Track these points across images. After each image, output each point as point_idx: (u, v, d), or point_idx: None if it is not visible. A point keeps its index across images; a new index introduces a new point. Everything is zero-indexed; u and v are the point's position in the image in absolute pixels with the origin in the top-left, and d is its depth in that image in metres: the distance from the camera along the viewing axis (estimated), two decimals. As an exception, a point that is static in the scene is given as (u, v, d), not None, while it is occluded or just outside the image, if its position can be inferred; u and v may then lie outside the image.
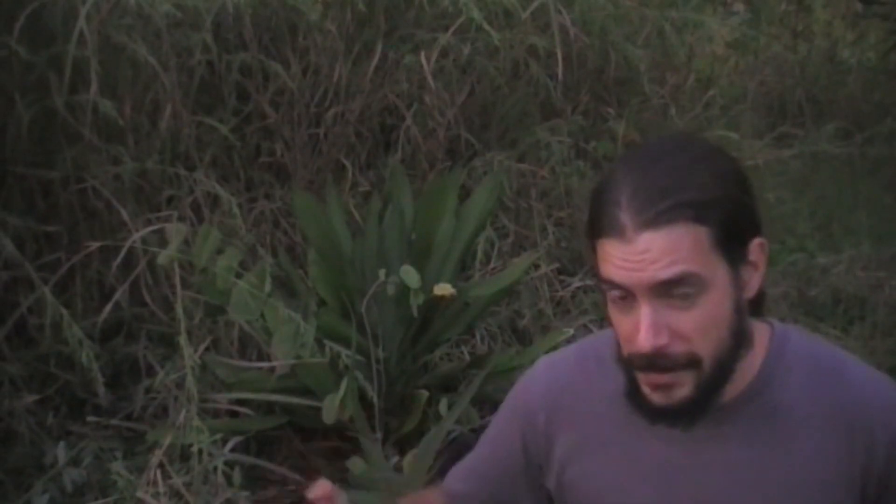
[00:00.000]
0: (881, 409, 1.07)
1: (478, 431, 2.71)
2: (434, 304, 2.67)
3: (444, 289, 2.61)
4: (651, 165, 1.03)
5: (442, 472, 2.36)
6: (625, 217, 1.01)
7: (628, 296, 1.03)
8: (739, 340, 1.06)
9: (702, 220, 1.00)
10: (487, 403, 2.79)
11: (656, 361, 1.03)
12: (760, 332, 1.12)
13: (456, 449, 2.46)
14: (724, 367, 1.05)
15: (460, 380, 2.88)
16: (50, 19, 2.69)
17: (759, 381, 1.10)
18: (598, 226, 1.04)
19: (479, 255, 3.20)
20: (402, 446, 2.58)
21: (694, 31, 4.26)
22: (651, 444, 1.13)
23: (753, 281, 1.06)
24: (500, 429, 1.31)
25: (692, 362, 1.04)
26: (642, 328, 1.02)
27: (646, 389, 1.07)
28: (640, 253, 1.00)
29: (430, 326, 2.76)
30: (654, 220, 0.99)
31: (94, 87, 2.61)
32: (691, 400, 1.05)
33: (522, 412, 1.26)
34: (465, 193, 3.16)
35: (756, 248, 1.05)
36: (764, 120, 4.80)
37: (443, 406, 2.58)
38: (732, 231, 1.02)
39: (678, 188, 1.00)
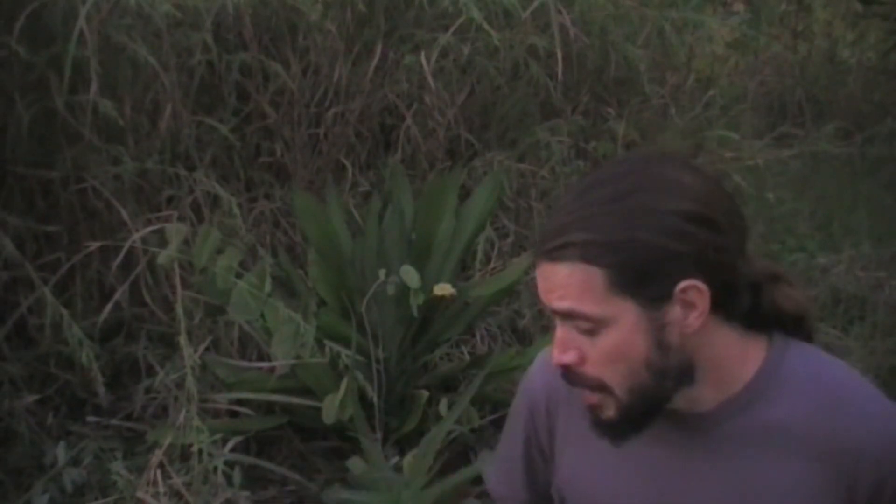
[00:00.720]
0: (873, 446, 1.06)
1: (478, 431, 2.71)
2: (434, 304, 2.67)
3: (444, 289, 2.61)
4: (578, 196, 1.06)
5: (441, 473, 2.37)
6: (539, 243, 1.08)
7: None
8: (666, 376, 1.06)
9: (592, 261, 1.02)
10: (487, 403, 2.80)
11: (569, 378, 1.10)
12: (754, 347, 1.12)
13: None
14: (646, 397, 1.07)
15: (460, 380, 2.88)
16: (50, 19, 2.69)
17: (748, 395, 1.10)
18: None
19: (479, 255, 3.20)
20: (402, 446, 2.58)
21: (694, 31, 4.26)
22: (640, 447, 1.14)
23: (691, 320, 1.05)
24: (513, 427, 1.33)
25: (602, 388, 1.08)
26: (554, 344, 1.09)
27: None
28: (542, 280, 1.08)
29: (430, 326, 2.76)
30: (549, 253, 1.05)
31: (94, 87, 2.61)
32: (615, 420, 1.09)
33: (527, 406, 1.28)
34: (465, 193, 3.16)
35: (690, 289, 1.03)
36: (764, 120, 4.80)
37: (443, 406, 2.58)
38: (641, 274, 1.02)
39: (579, 227, 1.03)
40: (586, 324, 1.05)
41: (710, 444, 1.11)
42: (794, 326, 1.14)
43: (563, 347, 1.08)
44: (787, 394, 1.09)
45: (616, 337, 1.05)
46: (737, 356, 1.10)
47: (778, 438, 1.08)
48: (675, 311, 1.04)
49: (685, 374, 1.08)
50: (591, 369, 1.07)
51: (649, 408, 1.08)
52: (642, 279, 1.02)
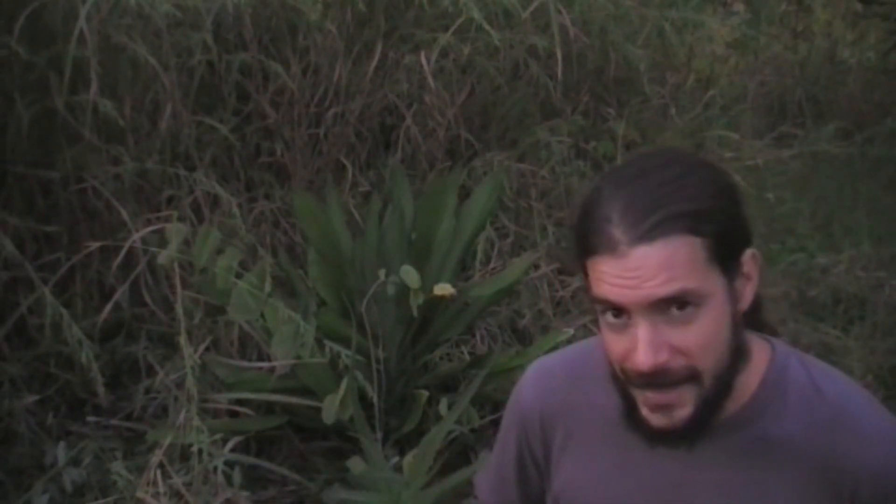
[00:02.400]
0: (873, 465, 1.05)
1: (478, 431, 2.71)
2: (434, 304, 2.67)
3: (444, 289, 2.61)
4: (640, 179, 1.01)
5: (441, 473, 2.37)
6: (617, 232, 0.99)
7: (624, 314, 1.01)
8: (737, 354, 1.05)
9: (696, 231, 0.98)
10: (487, 403, 2.80)
11: (656, 379, 1.01)
12: (759, 352, 1.11)
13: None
14: (724, 382, 1.04)
15: (460, 380, 2.88)
16: (50, 19, 2.69)
17: (753, 408, 1.09)
18: (589, 244, 1.01)
19: (479, 255, 3.20)
20: (402, 446, 2.58)
21: (694, 31, 4.26)
22: (640, 460, 1.12)
23: (747, 293, 1.05)
24: (504, 438, 1.31)
25: (693, 377, 1.02)
26: (640, 347, 1.00)
27: (644, 410, 1.05)
28: (635, 269, 0.98)
29: (430, 326, 2.76)
30: (648, 234, 0.97)
31: (94, 87, 2.61)
32: (692, 419, 1.03)
33: (520, 418, 1.26)
34: (465, 193, 3.16)
35: (749, 260, 1.04)
36: (764, 120, 4.80)
37: (443, 406, 2.58)
38: (727, 242, 1.01)
39: (671, 200, 0.98)
40: (689, 305, 0.99)
41: (711, 457, 1.10)
42: (757, 315, 1.12)
43: (655, 347, 0.99)
44: (790, 409, 1.08)
45: (712, 314, 1.00)
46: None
47: (779, 454, 1.07)
48: (741, 283, 1.04)
49: (744, 355, 1.06)
50: (682, 359, 1.00)
51: (723, 397, 1.04)
52: (732, 249, 1.01)
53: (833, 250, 3.82)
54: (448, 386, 2.86)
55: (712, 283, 1.00)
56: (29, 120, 2.67)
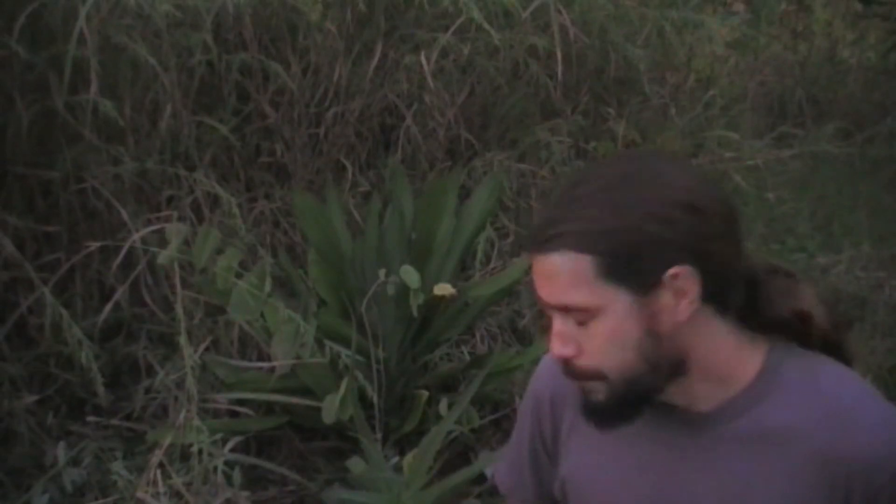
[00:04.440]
0: (867, 456, 1.06)
1: (478, 431, 2.71)
2: (434, 304, 2.67)
3: (444, 289, 2.61)
4: (563, 192, 1.08)
5: (441, 473, 2.37)
6: (530, 238, 1.09)
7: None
8: (658, 365, 1.07)
9: (581, 248, 1.03)
10: (487, 403, 2.80)
11: (566, 370, 1.11)
12: (755, 347, 1.12)
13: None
14: (639, 384, 1.08)
15: (460, 380, 2.88)
16: (50, 19, 2.69)
17: (747, 398, 1.10)
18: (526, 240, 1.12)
19: (479, 255, 3.20)
20: (402, 446, 2.58)
21: (694, 31, 4.26)
22: (639, 443, 1.16)
23: (682, 306, 1.05)
24: (521, 422, 1.34)
25: (598, 376, 1.09)
26: (552, 338, 1.10)
27: None
28: (536, 275, 1.08)
29: (430, 326, 2.76)
30: (542, 245, 1.06)
31: (94, 87, 2.61)
32: (605, 406, 1.10)
33: (534, 401, 1.30)
34: (465, 193, 3.16)
35: (679, 276, 1.04)
36: (764, 120, 4.80)
37: (443, 406, 2.58)
38: (630, 260, 1.03)
39: (565, 219, 1.05)
40: (580, 315, 1.06)
41: (707, 444, 1.12)
42: (799, 326, 1.13)
43: (562, 340, 1.09)
44: (785, 400, 1.09)
45: (609, 325, 1.06)
46: (734, 355, 1.11)
47: (774, 443, 1.09)
48: (666, 298, 1.05)
49: (678, 365, 1.09)
50: (588, 359, 1.08)
51: (640, 397, 1.10)
52: (631, 265, 1.04)
53: (833, 250, 3.82)
54: (448, 386, 2.86)
55: (605, 297, 1.05)
56: (29, 120, 2.67)
